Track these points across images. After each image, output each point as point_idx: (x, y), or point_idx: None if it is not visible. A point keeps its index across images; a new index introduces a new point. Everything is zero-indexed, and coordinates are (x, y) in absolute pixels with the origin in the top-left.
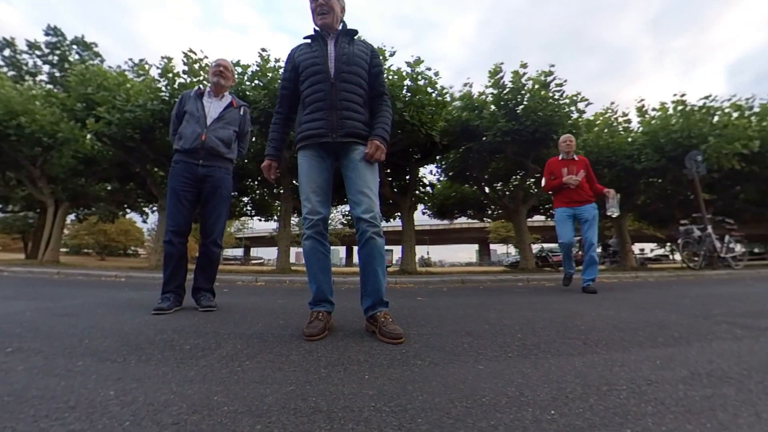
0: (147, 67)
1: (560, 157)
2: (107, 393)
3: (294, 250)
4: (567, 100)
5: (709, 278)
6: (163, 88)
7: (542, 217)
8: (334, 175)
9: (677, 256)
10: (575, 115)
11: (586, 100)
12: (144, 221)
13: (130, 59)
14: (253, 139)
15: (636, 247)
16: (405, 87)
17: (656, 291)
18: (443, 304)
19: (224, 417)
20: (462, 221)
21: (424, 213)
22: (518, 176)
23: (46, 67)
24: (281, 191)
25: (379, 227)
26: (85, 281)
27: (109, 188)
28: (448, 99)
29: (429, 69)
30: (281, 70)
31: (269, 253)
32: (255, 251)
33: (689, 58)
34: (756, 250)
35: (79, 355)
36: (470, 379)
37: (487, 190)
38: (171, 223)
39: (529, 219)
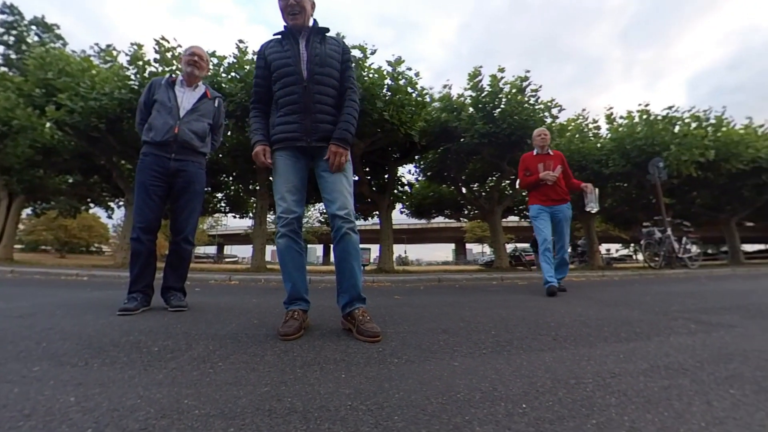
0: (114, 53)
1: (535, 152)
2: (67, 399)
3: (270, 248)
4: (542, 106)
5: (668, 277)
6: (132, 77)
7: (516, 218)
8: (308, 175)
9: (640, 256)
10: (549, 120)
11: (560, 106)
12: (109, 217)
13: (96, 44)
14: (228, 133)
15: (603, 248)
16: (385, 86)
17: (620, 289)
18: (420, 303)
19: (195, 421)
20: (439, 221)
21: (402, 212)
22: (494, 178)
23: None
24: (257, 188)
25: (353, 223)
26: (43, 280)
27: (70, 181)
28: (428, 100)
29: (410, 69)
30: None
31: (244, 251)
32: (229, 249)
33: (654, 70)
34: (709, 251)
35: (36, 359)
36: (446, 375)
37: (464, 190)
38: (139, 219)
39: (504, 219)
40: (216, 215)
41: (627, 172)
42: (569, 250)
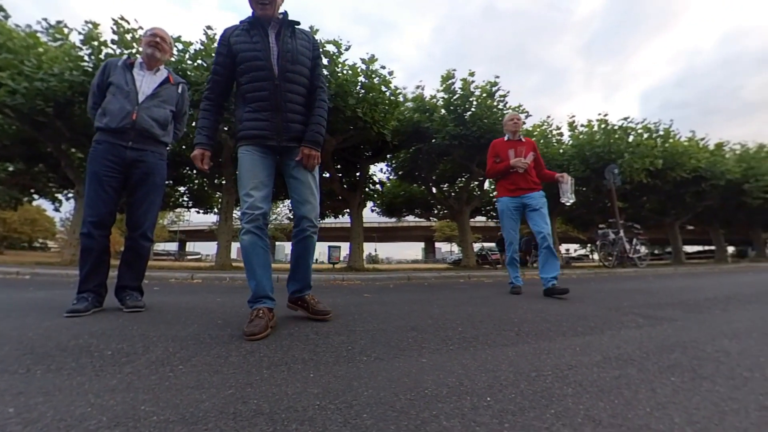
0: (66, 31)
1: (506, 138)
2: (5, 410)
3: (236, 246)
4: (510, 111)
5: (620, 275)
6: (86, 58)
7: (483, 218)
8: (276, 173)
9: (596, 256)
10: None
11: (526, 112)
12: (56, 209)
13: (44, 19)
14: (193, 123)
15: (563, 247)
16: (359, 83)
17: (578, 286)
18: (390, 300)
19: (153, 427)
20: (410, 220)
21: (373, 210)
22: (463, 179)
23: None
24: (223, 182)
25: (317, 227)
26: None
27: (10, 169)
28: (401, 99)
29: (384, 68)
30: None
31: (208, 248)
32: (191, 246)
33: (612, 82)
34: (656, 252)
35: None
36: (414, 372)
37: (434, 190)
38: (91, 213)
39: (472, 219)
40: (178, 210)
41: (586, 177)
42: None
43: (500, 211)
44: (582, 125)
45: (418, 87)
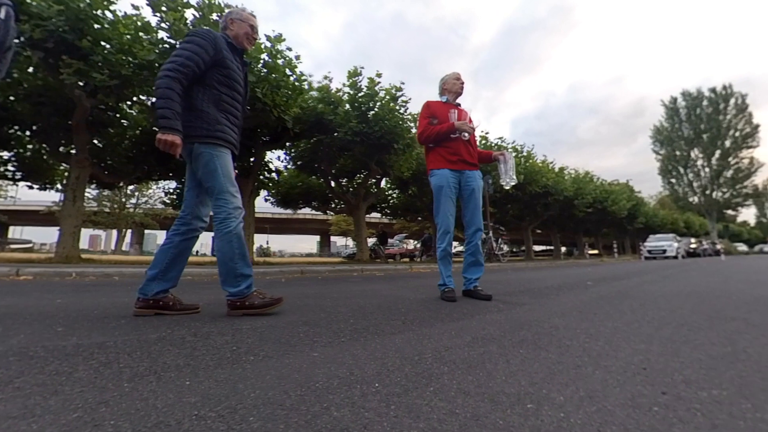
0: None
1: (444, 99)
2: None
3: (88, 233)
4: (410, 117)
5: (488, 269)
6: None
7: (378, 215)
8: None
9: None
10: (414, 131)
11: None
12: None
13: None
14: (30, 68)
15: None
16: (261, 61)
17: (457, 278)
18: (281, 295)
19: None
20: (306, 212)
21: (267, 200)
22: (362, 175)
23: None
24: (72, 151)
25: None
26: None
27: None
28: (306, 87)
29: (290, 50)
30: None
31: (44, 235)
32: (18, 231)
33: (492, 106)
34: (514, 249)
35: None
36: (305, 367)
37: (333, 184)
38: None
39: (367, 215)
40: None
41: None
42: (418, 244)
43: (437, 186)
44: None
45: (325, 77)
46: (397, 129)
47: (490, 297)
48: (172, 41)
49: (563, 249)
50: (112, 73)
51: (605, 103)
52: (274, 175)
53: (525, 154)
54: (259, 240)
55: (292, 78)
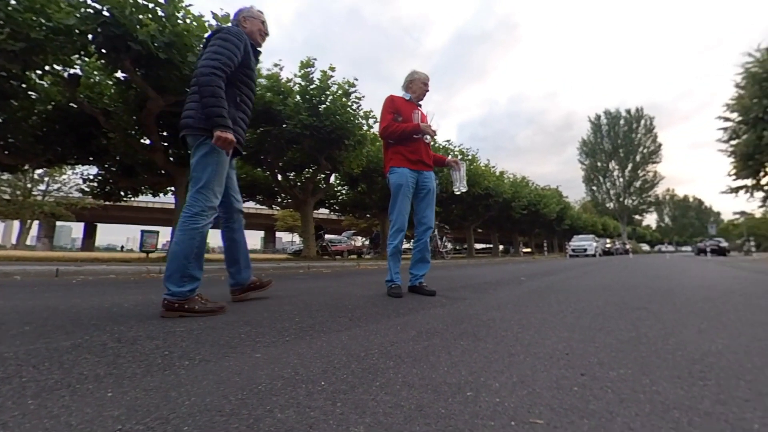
0: None
1: (405, 98)
2: None
3: None
4: (362, 113)
5: (433, 265)
6: None
7: (326, 210)
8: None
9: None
10: (365, 128)
11: (375, 118)
12: None
13: None
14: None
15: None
16: (205, 40)
17: (402, 275)
18: (219, 294)
19: None
20: (250, 206)
21: None
22: (311, 169)
23: None
24: None
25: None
26: None
27: None
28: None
29: None
30: None
31: None
32: None
33: (441, 110)
34: (458, 247)
35: None
36: (246, 369)
37: (279, 177)
38: None
39: (315, 211)
40: None
41: None
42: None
43: (396, 184)
44: None
45: (276, 65)
46: (348, 125)
47: (434, 293)
48: (98, 6)
49: (501, 247)
50: (17, 35)
51: (541, 115)
52: None
53: (470, 157)
54: None
55: None
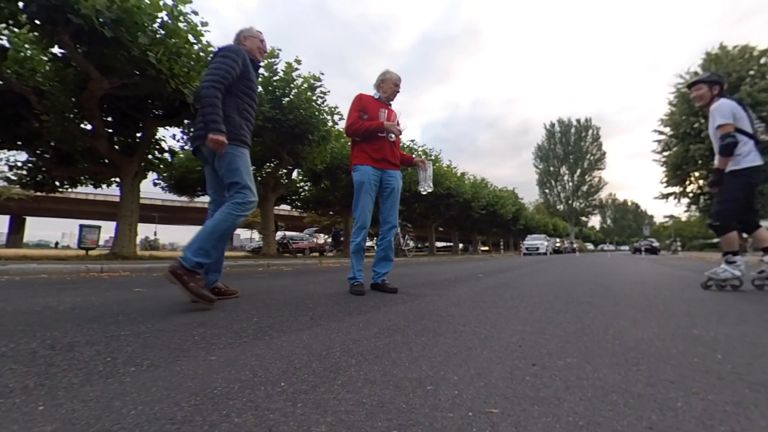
0: None
1: (375, 97)
2: None
3: None
4: (327, 109)
5: (395, 263)
6: None
7: (288, 207)
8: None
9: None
10: (330, 124)
11: (340, 114)
12: None
13: None
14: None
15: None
16: (159, 20)
17: (367, 272)
18: (170, 295)
19: None
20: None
21: (156, 184)
22: (272, 164)
23: None
24: None
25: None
26: None
27: None
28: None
29: (196, 14)
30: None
31: None
32: None
33: (406, 110)
34: (419, 245)
35: None
36: (200, 373)
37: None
38: None
39: (276, 207)
40: None
41: None
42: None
43: (358, 182)
44: None
45: None
46: (312, 120)
47: (396, 290)
48: None
49: (461, 245)
50: None
51: (500, 120)
52: (167, 155)
53: (433, 158)
54: (145, 231)
55: (196, 47)
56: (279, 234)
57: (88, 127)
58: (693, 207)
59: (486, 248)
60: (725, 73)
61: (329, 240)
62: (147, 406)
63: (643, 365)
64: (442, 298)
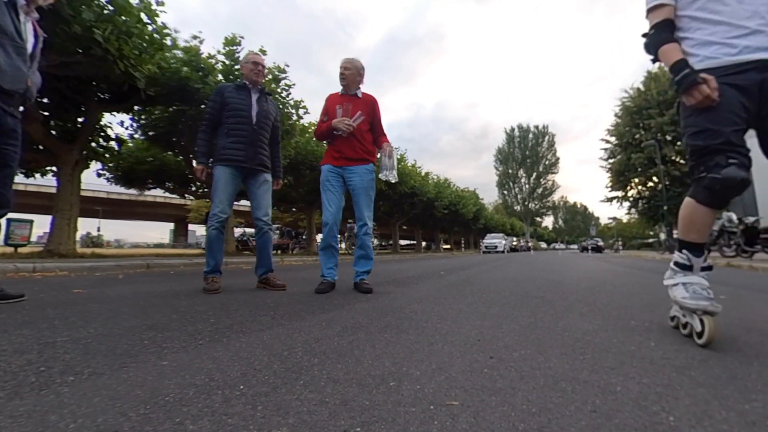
0: None
1: (340, 92)
2: None
3: None
4: (292, 102)
5: None
6: None
7: (248, 202)
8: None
9: (343, 245)
10: (294, 118)
11: (305, 108)
12: None
13: None
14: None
15: (319, 237)
16: None
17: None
18: (116, 295)
19: None
20: (156, 194)
21: (100, 175)
22: None
23: None
24: None
25: (271, 225)
26: None
27: None
28: (169, 43)
29: None
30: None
31: None
32: None
33: None
34: (383, 243)
35: None
36: (150, 380)
37: (194, 163)
38: None
39: (236, 202)
40: None
41: None
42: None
43: (321, 181)
44: None
45: (195, 38)
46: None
47: (370, 290)
48: None
49: (423, 244)
50: None
51: (462, 123)
52: (113, 144)
53: (398, 156)
54: (87, 226)
55: (150, 27)
56: (238, 231)
57: (20, 108)
58: (633, 210)
59: (448, 246)
60: (663, 91)
61: (292, 237)
62: (88, 419)
63: (588, 354)
64: (405, 295)
